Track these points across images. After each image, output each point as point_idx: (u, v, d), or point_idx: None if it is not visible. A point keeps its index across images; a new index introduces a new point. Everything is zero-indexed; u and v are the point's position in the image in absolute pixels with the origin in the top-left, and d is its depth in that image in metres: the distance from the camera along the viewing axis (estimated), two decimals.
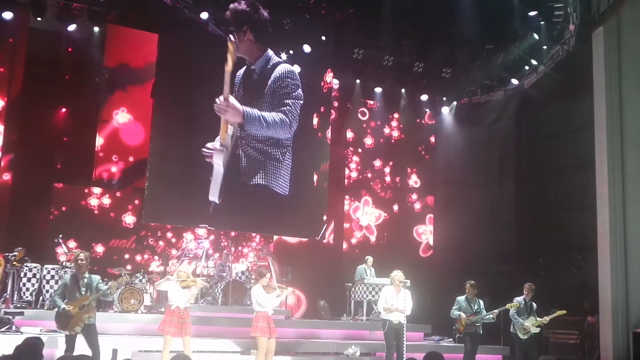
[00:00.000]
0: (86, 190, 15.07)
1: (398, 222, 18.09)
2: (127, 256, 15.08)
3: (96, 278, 9.37)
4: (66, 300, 9.06)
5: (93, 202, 15.11)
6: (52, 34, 14.64)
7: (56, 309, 9.14)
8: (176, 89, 14.71)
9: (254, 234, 16.05)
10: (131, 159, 15.63)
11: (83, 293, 9.10)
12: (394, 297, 10.65)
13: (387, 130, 18.39)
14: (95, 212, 15.10)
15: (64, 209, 14.80)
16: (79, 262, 9.29)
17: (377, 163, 18.20)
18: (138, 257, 15.19)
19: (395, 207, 18.18)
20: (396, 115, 18.40)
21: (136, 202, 15.36)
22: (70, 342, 9.08)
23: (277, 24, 15.12)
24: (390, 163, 18.34)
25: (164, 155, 14.54)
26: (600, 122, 13.56)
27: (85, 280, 9.20)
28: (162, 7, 14.14)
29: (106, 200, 15.21)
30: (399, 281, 10.69)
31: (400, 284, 10.66)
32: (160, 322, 9.80)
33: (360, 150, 18.11)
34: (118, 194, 15.39)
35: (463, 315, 11.37)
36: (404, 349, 10.46)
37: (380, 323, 10.99)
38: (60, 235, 13.73)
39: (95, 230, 14.92)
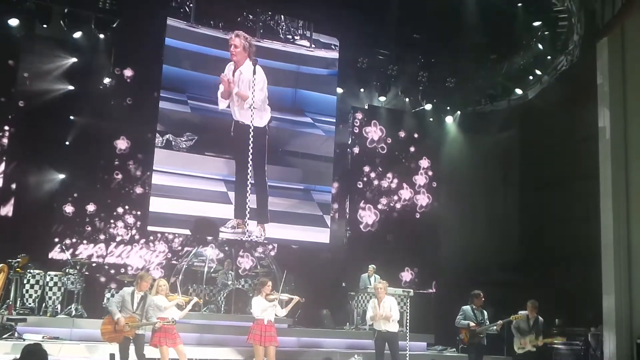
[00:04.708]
0: (89, 198, 15.09)
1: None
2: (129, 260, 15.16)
3: (152, 301, 9.43)
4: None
5: (91, 208, 15.09)
6: (57, 41, 14.69)
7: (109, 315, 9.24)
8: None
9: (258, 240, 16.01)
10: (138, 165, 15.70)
11: (134, 309, 9.24)
12: (377, 307, 10.64)
13: (391, 139, 18.39)
14: (98, 219, 15.12)
15: (67, 216, 14.84)
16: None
17: (382, 172, 18.17)
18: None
19: (398, 216, 18.20)
20: (400, 124, 18.39)
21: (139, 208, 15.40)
22: (124, 348, 9.29)
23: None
24: (394, 172, 18.33)
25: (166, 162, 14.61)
26: (604, 133, 13.52)
27: (140, 296, 9.34)
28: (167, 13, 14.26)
29: (111, 207, 15.25)
30: (379, 289, 10.69)
31: (381, 292, 10.65)
32: (154, 335, 9.48)
33: (365, 159, 18.10)
34: (121, 200, 15.38)
35: (472, 323, 11.14)
36: (399, 359, 10.47)
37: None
38: (64, 242, 13.76)
39: (94, 236, 14.99)
